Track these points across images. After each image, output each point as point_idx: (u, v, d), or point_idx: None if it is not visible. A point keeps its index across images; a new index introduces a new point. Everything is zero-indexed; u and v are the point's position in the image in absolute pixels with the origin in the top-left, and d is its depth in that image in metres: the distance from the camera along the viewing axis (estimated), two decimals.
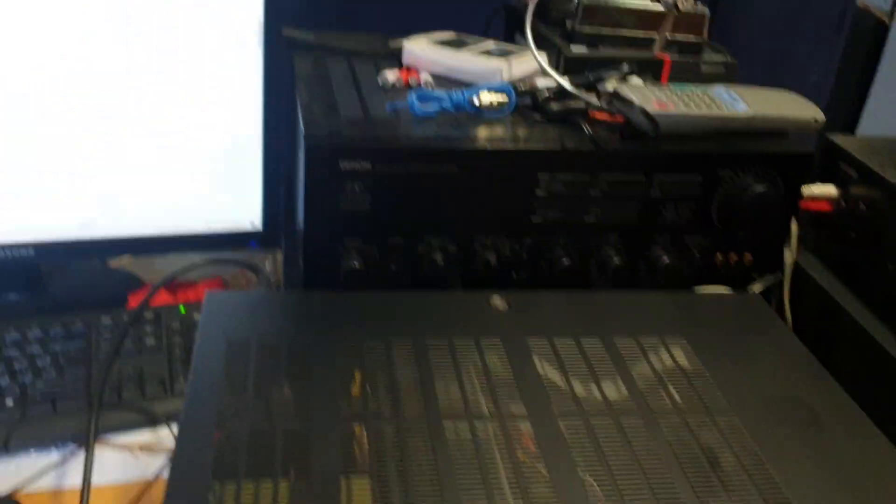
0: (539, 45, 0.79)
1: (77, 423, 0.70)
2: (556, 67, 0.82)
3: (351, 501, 0.47)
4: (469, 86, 0.77)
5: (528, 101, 0.78)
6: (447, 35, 0.89)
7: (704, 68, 0.86)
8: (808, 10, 1.26)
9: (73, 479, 0.67)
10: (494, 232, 0.73)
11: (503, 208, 0.73)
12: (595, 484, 0.50)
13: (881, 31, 1.21)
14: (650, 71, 0.83)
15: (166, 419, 0.73)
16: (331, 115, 0.73)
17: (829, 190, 0.78)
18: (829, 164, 0.80)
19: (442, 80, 0.82)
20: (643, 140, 0.73)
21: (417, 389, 0.57)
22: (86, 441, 0.60)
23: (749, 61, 0.93)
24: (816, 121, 0.78)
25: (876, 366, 0.69)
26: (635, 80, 0.80)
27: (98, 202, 0.81)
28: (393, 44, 0.88)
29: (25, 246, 0.81)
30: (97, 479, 0.66)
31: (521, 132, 0.74)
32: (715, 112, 0.74)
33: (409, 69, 0.83)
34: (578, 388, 0.58)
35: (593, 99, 0.76)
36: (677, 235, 0.76)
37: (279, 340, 0.59)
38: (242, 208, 0.87)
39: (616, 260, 0.74)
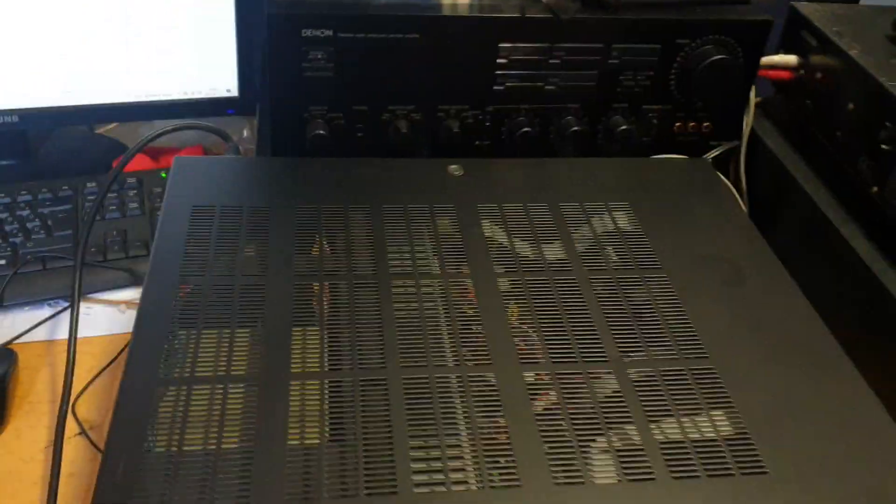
0: None
1: (66, 280, 0.76)
2: None
3: (301, 348, 0.53)
4: None
5: None
6: None
7: None
8: None
9: (64, 331, 0.72)
10: (458, 100, 0.76)
11: (466, 77, 0.74)
12: (525, 337, 0.55)
13: None
14: None
15: None
16: None
17: (789, 59, 0.79)
18: (793, 32, 0.80)
19: None
20: (602, 8, 0.74)
21: (371, 250, 0.61)
22: (72, 293, 0.65)
23: None
24: None
25: (816, 230, 0.72)
26: None
27: (79, 70, 0.83)
28: None
29: (10, 112, 0.85)
30: (87, 331, 0.72)
31: (484, 1, 0.74)
32: None
33: None
34: (521, 249, 0.62)
35: None
36: (636, 104, 0.78)
37: (242, 203, 0.63)
38: (219, 75, 0.89)
39: (576, 127, 0.77)
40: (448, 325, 0.55)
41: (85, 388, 0.68)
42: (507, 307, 0.57)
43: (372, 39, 0.71)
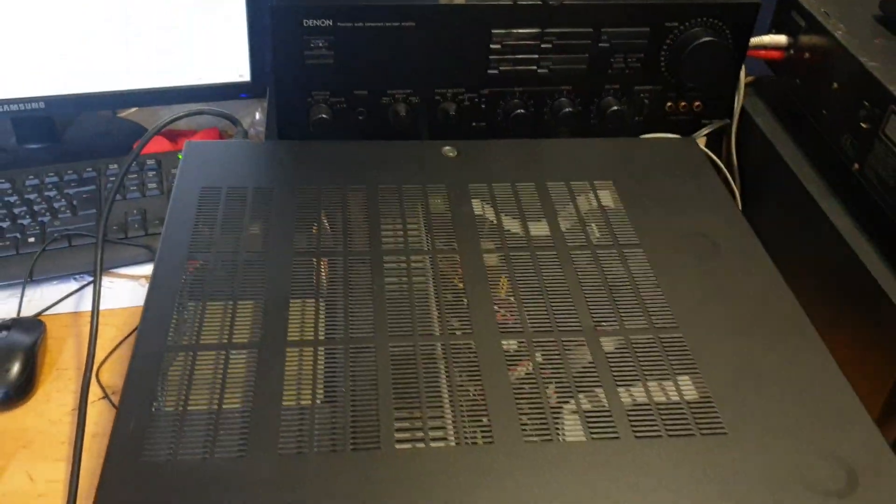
0: None
1: (90, 256, 0.80)
2: None
3: (299, 319, 0.57)
4: None
5: None
6: None
7: None
8: None
9: (88, 304, 0.78)
10: (454, 84, 0.79)
11: (461, 62, 0.78)
12: (507, 308, 0.59)
13: None
14: None
15: None
16: None
17: (779, 39, 0.82)
18: (783, 13, 0.83)
19: None
20: None
21: (367, 229, 0.65)
22: (94, 269, 0.70)
23: None
24: None
25: (798, 205, 0.75)
26: None
27: (100, 58, 0.88)
28: None
29: (37, 100, 0.90)
30: (110, 304, 0.78)
31: None
32: None
33: None
34: (508, 226, 0.66)
35: None
36: (628, 85, 0.81)
37: (247, 184, 0.68)
38: (232, 62, 0.93)
39: (569, 109, 0.80)
40: (435, 297, 0.60)
41: (108, 357, 0.73)
42: (492, 281, 0.61)
43: (370, 28, 0.75)
